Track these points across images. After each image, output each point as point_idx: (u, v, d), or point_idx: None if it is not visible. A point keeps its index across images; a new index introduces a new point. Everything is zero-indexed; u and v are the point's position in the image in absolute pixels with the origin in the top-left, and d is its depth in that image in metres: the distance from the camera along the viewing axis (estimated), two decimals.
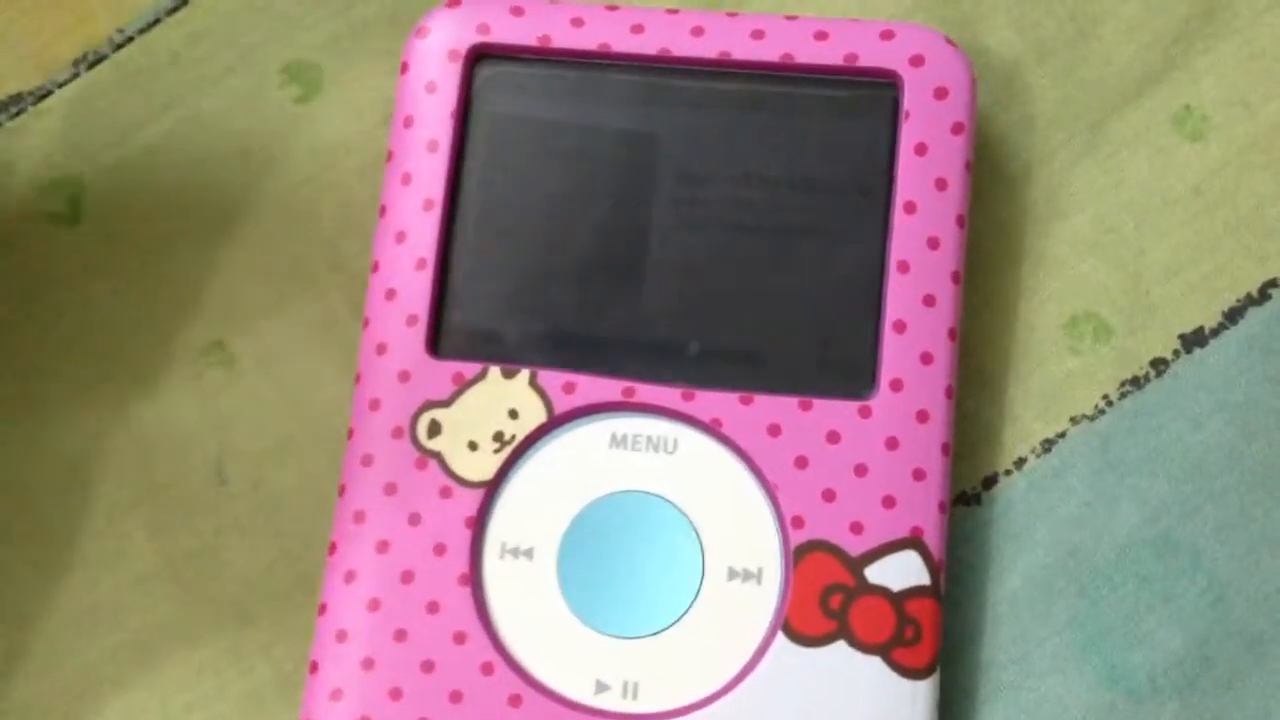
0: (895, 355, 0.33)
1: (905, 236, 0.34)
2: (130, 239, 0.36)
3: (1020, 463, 0.34)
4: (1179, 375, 0.35)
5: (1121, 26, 0.36)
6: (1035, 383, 0.35)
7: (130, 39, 0.37)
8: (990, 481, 0.34)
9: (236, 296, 0.36)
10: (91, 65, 0.37)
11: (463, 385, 0.33)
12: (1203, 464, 0.34)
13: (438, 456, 0.33)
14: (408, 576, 0.33)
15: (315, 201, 0.36)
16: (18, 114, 0.37)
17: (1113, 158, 0.36)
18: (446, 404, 0.33)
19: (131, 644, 0.34)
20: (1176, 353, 0.35)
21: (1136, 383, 0.35)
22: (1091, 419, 0.34)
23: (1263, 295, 0.35)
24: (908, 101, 0.34)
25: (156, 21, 0.37)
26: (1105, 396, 0.35)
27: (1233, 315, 0.35)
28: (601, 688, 0.32)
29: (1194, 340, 0.35)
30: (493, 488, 0.33)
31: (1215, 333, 0.35)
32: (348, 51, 0.37)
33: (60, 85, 0.37)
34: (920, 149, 0.34)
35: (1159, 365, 0.35)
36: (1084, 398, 0.35)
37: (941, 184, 0.34)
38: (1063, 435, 0.34)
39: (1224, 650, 0.33)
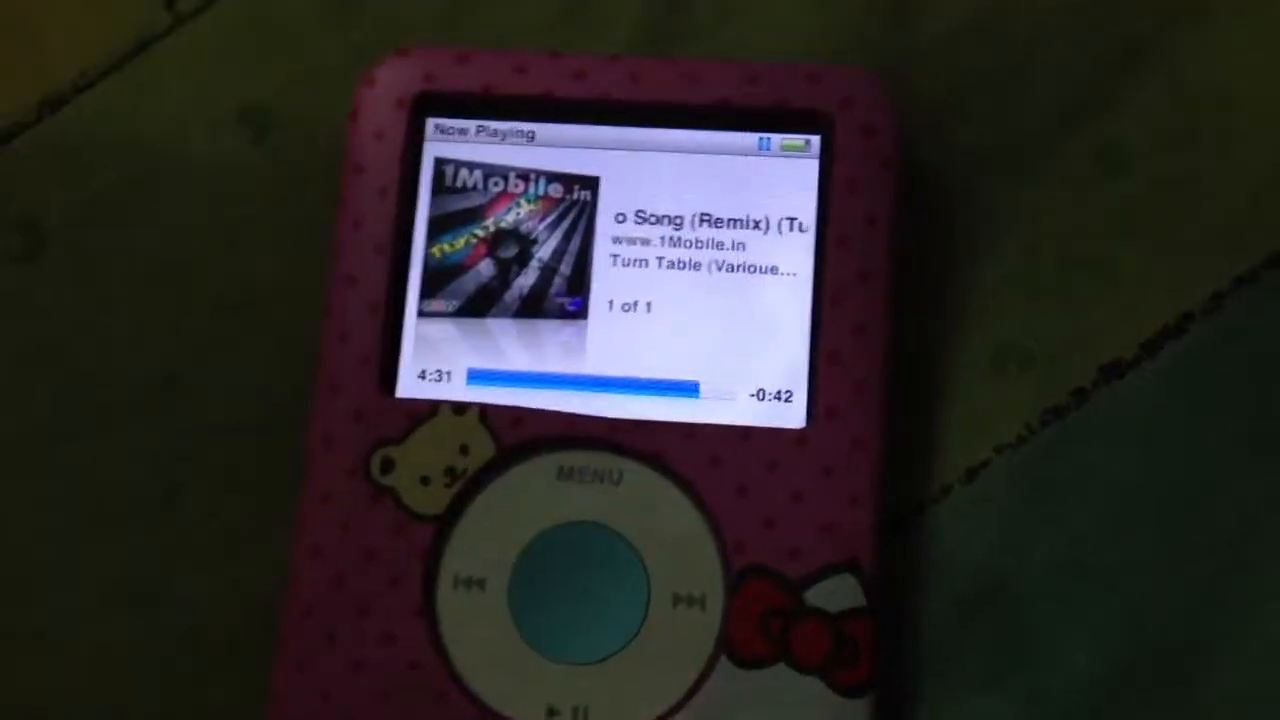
0: (830, 384, 0.34)
1: (838, 270, 0.35)
2: (88, 278, 0.37)
3: (946, 490, 0.36)
4: (1098, 405, 0.36)
5: (1047, 64, 0.38)
6: (961, 411, 0.36)
7: (91, 83, 0.38)
8: (918, 508, 0.36)
9: (192, 331, 0.37)
10: (54, 108, 0.38)
11: (414, 422, 0.35)
12: (1121, 491, 0.35)
13: (391, 492, 0.34)
14: (364, 610, 0.34)
15: (270, 241, 0.38)
16: None
17: (1037, 192, 0.37)
18: (399, 441, 0.34)
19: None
20: (1096, 383, 0.36)
21: (1058, 412, 0.36)
22: (1014, 447, 0.36)
23: (1179, 328, 0.36)
24: (838, 140, 0.35)
25: (117, 65, 0.39)
26: (1028, 425, 0.36)
27: (1150, 347, 0.36)
28: (553, 713, 0.33)
29: (1112, 371, 0.36)
30: (445, 521, 0.34)
31: (1132, 364, 0.36)
32: (302, 96, 0.38)
33: (25, 127, 0.38)
34: (851, 185, 0.35)
35: (1079, 395, 0.36)
36: (1007, 427, 0.36)
37: (872, 219, 0.35)
38: (986, 464, 0.36)
39: (1139, 673, 0.34)
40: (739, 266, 0.35)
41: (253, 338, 0.37)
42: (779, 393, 0.35)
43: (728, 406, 0.35)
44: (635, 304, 0.35)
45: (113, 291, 0.38)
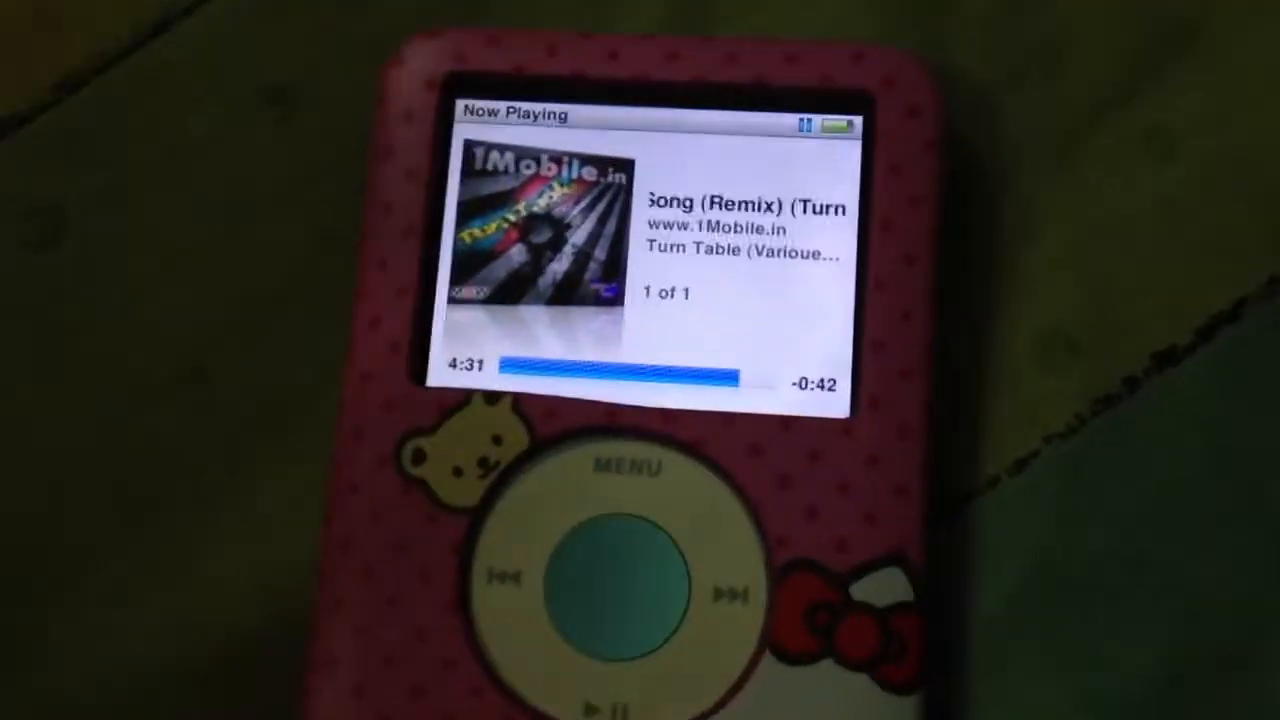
0: (875, 372, 0.34)
1: (881, 254, 0.34)
2: (108, 263, 0.37)
3: (993, 482, 0.35)
4: (1151, 393, 0.35)
5: (1092, 47, 0.37)
6: (1008, 401, 0.35)
7: (110, 64, 0.38)
8: (964, 499, 0.35)
9: (216, 322, 0.36)
10: (72, 90, 0.37)
11: (446, 412, 0.34)
12: (1174, 481, 0.34)
13: (422, 483, 0.33)
14: (395, 603, 0.33)
15: (294, 225, 0.37)
16: None
17: (1083, 177, 0.36)
18: (430, 431, 0.33)
19: None
20: (1148, 371, 0.35)
21: (1109, 401, 0.35)
22: (1064, 437, 0.35)
23: (1234, 314, 0.35)
24: (881, 121, 0.35)
25: (136, 47, 0.38)
26: (1078, 414, 0.35)
27: (1204, 333, 0.35)
28: (591, 710, 0.32)
29: (1166, 358, 0.35)
30: (478, 513, 0.33)
31: (1187, 351, 0.35)
32: (325, 77, 0.37)
33: (41, 110, 0.37)
34: (894, 167, 0.34)
35: (1131, 383, 0.35)
36: (1056, 416, 0.35)
37: (916, 201, 0.34)
38: (1036, 454, 0.35)
39: (1194, 668, 0.34)
40: (779, 251, 0.35)
41: (276, 325, 0.36)
42: (822, 381, 0.34)
43: (769, 395, 0.34)
44: (672, 290, 0.34)
45: (134, 276, 0.37)
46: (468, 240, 0.35)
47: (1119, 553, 0.34)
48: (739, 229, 0.35)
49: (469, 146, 0.35)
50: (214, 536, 0.35)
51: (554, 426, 0.33)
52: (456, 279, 0.35)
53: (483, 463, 0.33)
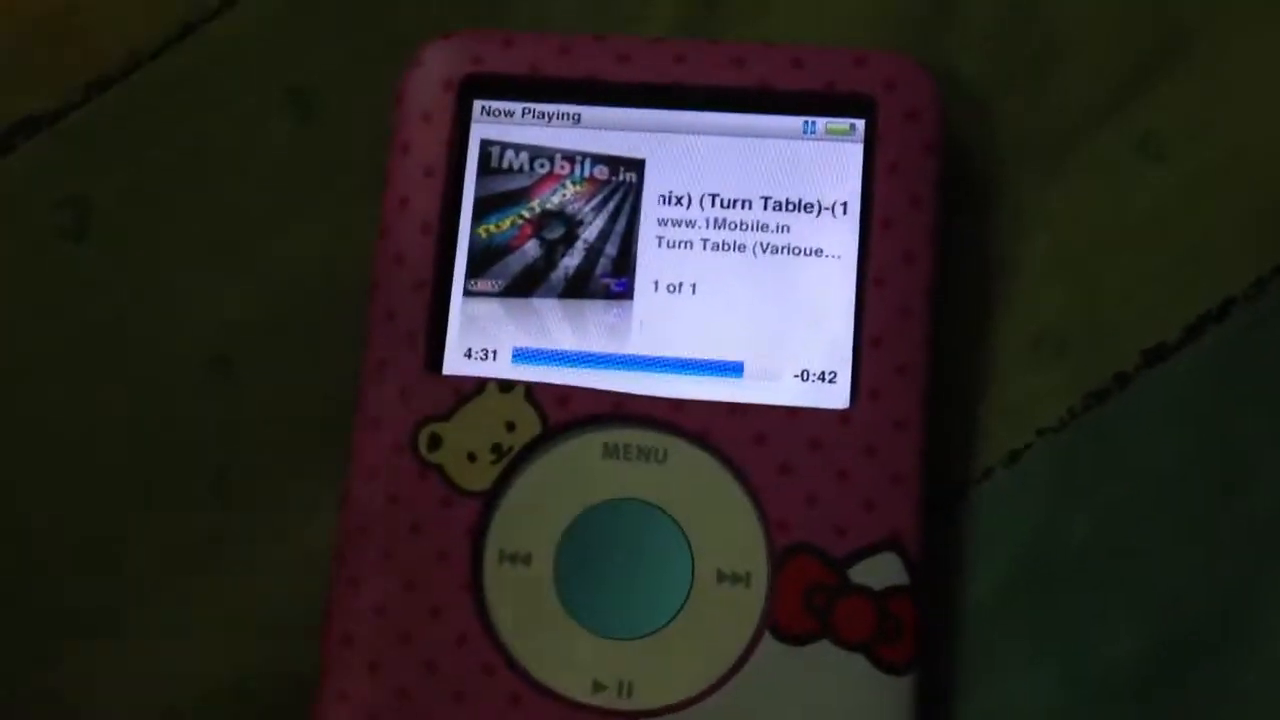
0: (874, 366, 0.35)
1: (882, 253, 0.35)
2: (136, 258, 0.38)
3: (988, 473, 0.36)
4: (1140, 389, 0.36)
5: (1086, 54, 0.38)
6: (1003, 395, 0.36)
7: (139, 64, 0.39)
8: (960, 490, 0.36)
9: (238, 314, 0.37)
10: (103, 89, 0.39)
11: (461, 399, 0.35)
12: (1162, 475, 0.36)
13: (438, 468, 0.34)
14: (411, 583, 0.34)
15: (315, 221, 0.38)
16: (33, 135, 0.38)
17: (1076, 180, 0.37)
18: (445, 418, 0.35)
19: None
20: (1138, 367, 0.36)
21: (1100, 396, 0.36)
22: (1056, 430, 0.36)
23: (1222, 313, 0.36)
24: (882, 123, 0.36)
25: (164, 48, 0.39)
26: (1069, 409, 0.36)
27: (1193, 331, 0.36)
28: (598, 687, 0.34)
29: (1155, 355, 0.36)
30: (491, 497, 0.34)
31: (1176, 348, 0.36)
32: (347, 79, 0.39)
33: (74, 107, 0.39)
34: (894, 168, 0.36)
35: (1121, 379, 0.36)
36: (1049, 410, 0.36)
37: (915, 201, 0.35)
38: (1028, 447, 0.36)
39: (1178, 655, 0.35)
40: (783, 249, 0.36)
41: (300, 319, 0.37)
42: (823, 373, 0.35)
43: (772, 387, 0.35)
44: (680, 285, 0.36)
45: (161, 271, 0.38)
46: (483, 236, 0.36)
47: (1105, 542, 0.35)
48: (744, 227, 0.36)
49: (485, 145, 0.36)
50: (234, 530, 0.36)
51: (565, 414, 0.35)
52: (472, 273, 0.36)
53: (496, 449, 0.35)
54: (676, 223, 0.36)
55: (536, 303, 0.36)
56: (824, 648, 0.33)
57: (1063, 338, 0.36)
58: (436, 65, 0.36)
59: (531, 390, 0.35)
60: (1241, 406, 0.36)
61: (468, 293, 0.36)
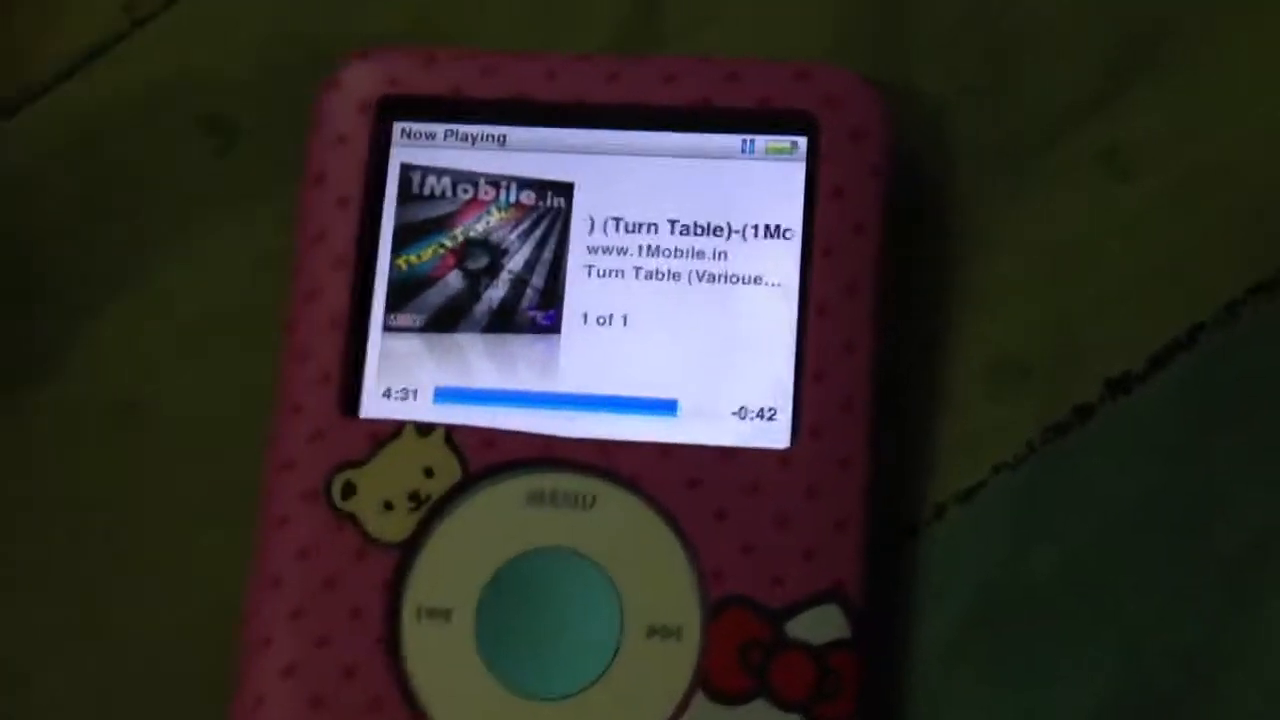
0: (816, 402, 0.33)
1: (824, 281, 0.33)
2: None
3: (940, 511, 0.34)
4: (1104, 422, 0.34)
5: (1047, 66, 0.36)
6: (957, 428, 0.34)
7: (46, 90, 0.37)
8: (911, 531, 0.34)
9: (146, 350, 0.36)
10: (8, 116, 0.37)
11: (378, 444, 0.33)
12: (1124, 512, 0.34)
13: (352, 518, 0.33)
14: (324, 641, 0.32)
15: (233, 254, 0.36)
16: None
17: (1039, 197, 0.35)
18: (361, 464, 0.33)
19: None
20: (1102, 398, 0.34)
21: (1060, 429, 0.34)
22: (1014, 467, 0.34)
23: (1190, 339, 0.34)
24: (825, 142, 0.34)
25: (73, 70, 0.37)
26: (1028, 443, 0.34)
27: (1159, 360, 0.34)
28: None
29: (1119, 386, 0.34)
30: (409, 548, 0.33)
31: (1141, 378, 0.34)
32: (264, 103, 0.37)
33: None
34: (838, 192, 0.34)
35: (1083, 412, 0.34)
36: (1006, 445, 0.34)
37: (859, 228, 0.33)
38: (984, 484, 0.34)
39: (1134, 704, 0.33)
40: (720, 277, 0.34)
41: (212, 358, 0.36)
42: (762, 410, 0.33)
43: (708, 425, 0.33)
44: (610, 317, 0.34)
45: (72, 305, 0.36)
46: (403, 267, 0.34)
47: (1066, 582, 0.33)
48: (679, 254, 0.34)
49: (405, 170, 0.35)
50: (141, 577, 0.35)
51: (487, 459, 0.33)
52: (392, 307, 0.34)
53: (414, 497, 0.33)
54: (607, 250, 0.34)
55: (460, 338, 0.34)
56: (759, 707, 0.31)
57: (1022, 367, 0.35)
58: (351, 86, 0.35)
59: (451, 433, 0.33)
60: (1212, 440, 0.34)
61: (387, 328, 0.34)
